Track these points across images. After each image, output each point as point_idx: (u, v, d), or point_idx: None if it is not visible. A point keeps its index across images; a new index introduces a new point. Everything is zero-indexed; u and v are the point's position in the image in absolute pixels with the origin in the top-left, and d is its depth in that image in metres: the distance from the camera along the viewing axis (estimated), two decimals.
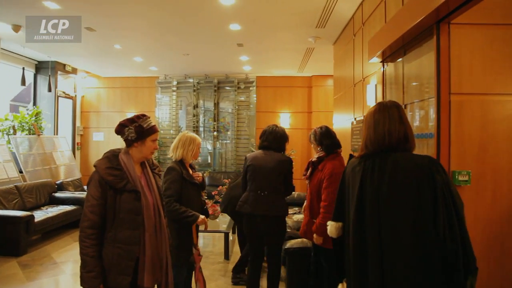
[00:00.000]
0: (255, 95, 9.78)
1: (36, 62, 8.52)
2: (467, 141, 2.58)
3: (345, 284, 1.94)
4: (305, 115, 9.70)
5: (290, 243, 3.85)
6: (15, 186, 6.10)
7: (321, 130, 3.14)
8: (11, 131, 7.48)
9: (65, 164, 8.33)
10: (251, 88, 9.80)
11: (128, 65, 8.64)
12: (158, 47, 7.09)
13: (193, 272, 3.14)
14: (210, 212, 4.49)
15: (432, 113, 2.87)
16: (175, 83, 9.88)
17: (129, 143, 2.16)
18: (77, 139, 9.92)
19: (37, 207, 6.28)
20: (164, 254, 2.21)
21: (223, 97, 9.93)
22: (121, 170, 2.08)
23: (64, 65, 8.91)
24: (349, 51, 5.26)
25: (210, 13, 5.16)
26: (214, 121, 9.82)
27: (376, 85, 4.00)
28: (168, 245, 2.26)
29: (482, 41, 2.63)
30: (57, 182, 7.29)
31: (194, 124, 9.79)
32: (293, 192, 3.61)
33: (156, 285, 2.21)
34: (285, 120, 9.63)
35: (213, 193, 5.97)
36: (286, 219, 4.50)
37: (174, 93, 9.90)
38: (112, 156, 2.12)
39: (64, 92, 9.16)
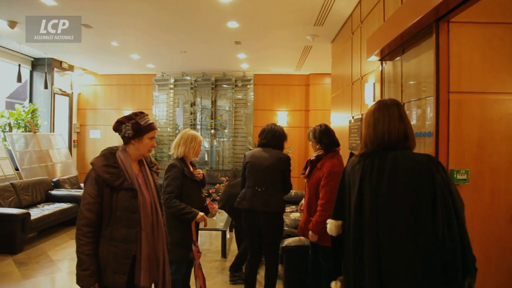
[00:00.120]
0: (252, 93, 9.76)
1: (32, 59, 8.47)
2: (466, 140, 2.58)
3: (338, 283, 1.95)
4: (303, 113, 9.69)
5: (288, 241, 3.85)
6: (11, 183, 6.06)
7: (321, 128, 3.14)
8: (7, 128, 7.43)
9: (62, 161, 8.28)
10: (248, 86, 9.78)
11: (125, 62, 8.59)
12: (155, 44, 7.06)
13: (192, 268, 3.14)
14: None
15: (429, 112, 2.87)
16: (172, 80, 9.84)
17: (126, 140, 2.15)
18: (74, 137, 9.88)
19: (33, 204, 6.24)
20: (161, 253, 2.19)
21: (221, 95, 9.91)
22: (118, 168, 2.06)
23: (61, 62, 8.85)
24: (347, 50, 5.25)
25: (208, 10, 5.13)
26: (212, 119, 9.80)
27: (374, 84, 3.99)
28: (165, 243, 2.25)
29: (481, 40, 2.63)
30: (54, 179, 7.25)
31: (191, 122, 9.76)
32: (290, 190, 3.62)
33: (153, 284, 2.20)
34: (282, 118, 9.62)
35: (210, 191, 5.96)
36: (284, 217, 4.50)
37: (171, 91, 9.86)
38: (109, 154, 2.10)
39: (60, 89, 9.10)
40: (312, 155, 3.18)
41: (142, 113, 2.19)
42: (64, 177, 7.55)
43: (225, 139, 9.90)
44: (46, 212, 5.83)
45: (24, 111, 7.82)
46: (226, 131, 9.85)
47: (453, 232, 1.49)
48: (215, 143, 9.90)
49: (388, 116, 1.70)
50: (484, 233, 2.58)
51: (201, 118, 9.90)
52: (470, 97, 2.60)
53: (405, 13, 2.82)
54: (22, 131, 7.61)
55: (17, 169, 6.90)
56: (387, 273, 1.60)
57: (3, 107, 8.31)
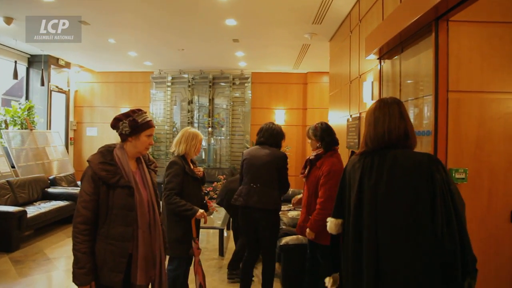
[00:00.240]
0: (250, 91, 9.75)
1: (29, 56, 8.41)
2: (464, 139, 2.58)
3: (331, 279, 1.97)
4: (300, 111, 9.69)
5: (286, 240, 3.85)
6: (7, 181, 6.02)
7: (322, 126, 3.13)
8: (3, 125, 7.38)
9: (58, 159, 8.25)
10: (246, 84, 9.76)
11: (123, 59, 8.56)
12: (153, 41, 7.03)
13: (192, 265, 3.16)
14: None
15: (427, 111, 2.87)
16: (170, 78, 9.80)
17: (123, 137, 2.13)
18: (70, 134, 9.83)
19: (30, 202, 6.21)
20: (158, 252, 2.18)
21: (218, 93, 9.89)
22: (115, 165, 2.05)
23: (57, 59, 8.80)
24: (346, 48, 5.25)
25: (206, 7, 5.11)
26: (209, 117, 9.77)
27: (372, 82, 3.99)
28: (162, 242, 2.24)
29: (481, 39, 2.62)
30: (50, 177, 7.20)
31: (188, 120, 9.74)
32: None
33: (150, 284, 2.19)
34: (280, 117, 9.62)
35: (208, 189, 5.94)
36: (282, 216, 4.50)
37: (169, 89, 9.83)
38: (106, 151, 2.09)
39: (57, 87, 9.05)
40: (311, 154, 3.17)
41: (140, 110, 2.17)
42: (61, 175, 7.51)
43: (222, 137, 9.88)
44: (43, 210, 5.80)
45: (20, 108, 7.76)
46: (223, 129, 9.83)
47: (453, 231, 1.49)
48: (212, 141, 9.88)
49: (388, 114, 1.70)
50: (482, 232, 2.58)
51: (199, 116, 9.87)
52: (469, 96, 2.59)
53: (404, 11, 2.81)
54: (19, 129, 7.57)
55: (13, 167, 6.87)
56: (386, 272, 1.60)
57: None
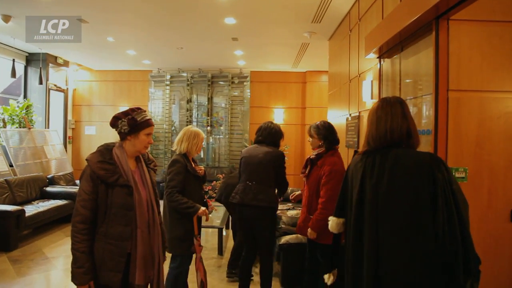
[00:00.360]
0: (249, 90, 9.74)
1: (27, 54, 8.37)
2: (464, 138, 2.58)
3: (331, 276, 1.98)
4: (299, 110, 9.68)
5: (285, 239, 3.84)
6: (5, 180, 6.00)
7: (325, 124, 3.12)
8: (1, 124, 7.35)
9: (57, 158, 8.22)
10: (245, 83, 9.75)
11: (121, 58, 8.53)
12: (151, 40, 7.00)
13: (193, 263, 3.17)
14: None
15: (425, 110, 2.87)
16: (168, 77, 9.79)
17: (122, 136, 2.12)
18: (69, 133, 9.80)
19: (28, 201, 6.19)
20: (157, 251, 2.17)
21: (217, 91, 9.88)
22: (114, 164, 2.03)
23: (56, 57, 8.77)
24: (345, 47, 5.24)
25: (205, 6, 5.09)
26: (208, 116, 9.76)
27: (372, 81, 3.98)
28: (161, 242, 2.22)
29: (481, 38, 2.62)
30: (48, 176, 7.18)
31: (187, 119, 9.73)
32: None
33: (149, 284, 2.18)
34: (279, 116, 9.61)
35: (207, 188, 5.93)
36: (281, 215, 4.49)
37: (168, 87, 9.82)
38: (105, 150, 2.08)
39: (55, 85, 9.02)
40: (312, 153, 3.16)
41: (139, 108, 2.16)
42: (59, 174, 7.49)
43: (221, 136, 9.88)
44: (41, 209, 5.78)
45: (18, 106, 7.73)
46: (222, 128, 9.83)
47: (454, 231, 1.48)
48: (211, 140, 9.87)
49: (391, 114, 1.69)
50: (481, 232, 2.57)
51: (197, 115, 9.86)
52: (469, 95, 2.59)
53: (404, 10, 2.80)
54: (17, 127, 7.54)
55: (11, 166, 6.84)
56: (386, 272, 1.59)
57: None
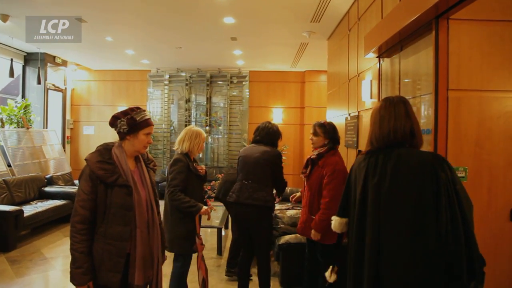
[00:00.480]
0: (247, 90, 9.72)
1: (25, 54, 8.35)
2: (464, 137, 2.58)
3: (333, 274, 2.00)
4: (298, 110, 9.68)
5: (285, 239, 3.84)
6: (4, 180, 5.98)
7: (331, 124, 3.14)
8: None
9: (55, 158, 8.20)
10: (244, 83, 9.74)
11: (120, 58, 8.51)
12: (150, 40, 6.99)
13: (194, 261, 3.18)
14: None
15: (424, 110, 2.86)
16: (167, 76, 9.77)
17: (121, 136, 2.11)
18: (67, 133, 9.78)
19: (26, 201, 6.17)
20: (156, 251, 2.16)
21: (216, 91, 9.86)
22: (113, 164, 2.02)
23: (54, 57, 8.75)
24: (344, 46, 5.23)
25: (204, 5, 5.08)
26: (206, 115, 9.75)
27: (371, 81, 3.98)
28: (160, 242, 2.22)
29: (481, 37, 2.62)
30: (47, 176, 7.16)
31: (186, 119, 9.71)
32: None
33: (148, 284, 2.17)
34: (277, 116, 9.60)
35: (207, 187, 5.92)
36: (280, 215, 4.49)
37: (166, 87, 9.80)
38: (104, 150, 2.06)
39: (53, 85, 9.00)
40: (313, 153, 3.15)
41: (138, 108, 2.15)
42: (58, 174, 7.46)
43: (220, 136, 9.87)
44: (40, 209, 5.76)
45: (16, 106, 7.71)
46: (221, 128, 9.82)
47: (457, 231, 1.47)
48: (210, 140, 9.86)
49: (394, 113, 1.69)
50: (481, 231, 2.56)
51: (196, 114, 9.85)
52: (469, 95, 2.59)
53: (404, 10, 2.80)
54: (15, 127, 7.52)
55: (9, 166, 6.83)
56: (387, 272, 1.58)
57: None
